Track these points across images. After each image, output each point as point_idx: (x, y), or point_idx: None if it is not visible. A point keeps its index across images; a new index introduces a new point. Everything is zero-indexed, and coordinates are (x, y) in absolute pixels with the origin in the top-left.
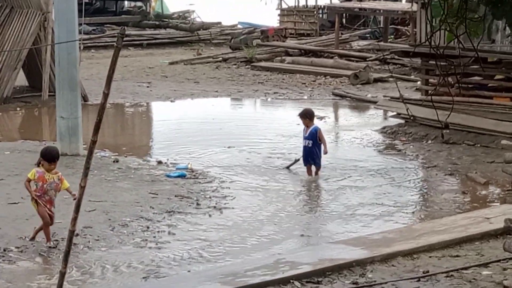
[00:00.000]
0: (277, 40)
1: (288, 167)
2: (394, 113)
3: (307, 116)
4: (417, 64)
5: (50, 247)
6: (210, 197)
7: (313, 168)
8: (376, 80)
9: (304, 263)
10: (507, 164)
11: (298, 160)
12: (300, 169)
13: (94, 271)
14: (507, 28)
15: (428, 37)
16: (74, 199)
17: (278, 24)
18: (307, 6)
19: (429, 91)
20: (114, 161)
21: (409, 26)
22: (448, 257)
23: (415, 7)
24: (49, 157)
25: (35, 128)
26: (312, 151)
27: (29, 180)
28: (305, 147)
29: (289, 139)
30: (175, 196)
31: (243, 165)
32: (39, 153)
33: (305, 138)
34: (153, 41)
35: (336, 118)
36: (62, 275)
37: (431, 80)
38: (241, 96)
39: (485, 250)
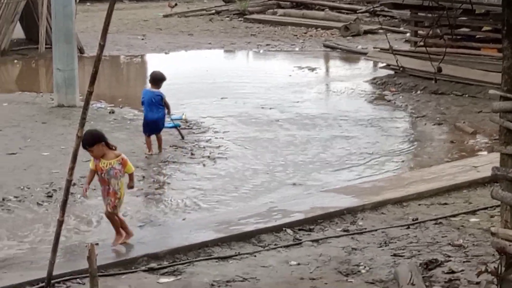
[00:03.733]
0: None
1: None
2: (384, 64)
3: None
4: (406, 16)
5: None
6: (204, 147)
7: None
8: (366, 32)
9: (296, 211)
10: (494, 113)
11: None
12: (291, 119)
13: (91, 219)
14: None
15: None
16: (130, 187)
17: None
18: None
19: (419, 42)
20: (110, 112)
21: None
22: (436, 205)
23: None
24: (85, 141)
25: (33, 80)
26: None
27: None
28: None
29: (281, 90)
30: (170, 146)
31: (236, 115)
32: None
33: None
34: None
35: (327, 70)
36: (60, 223)
37: (420, 32)
38: (234, 48)
39: (473, 198)
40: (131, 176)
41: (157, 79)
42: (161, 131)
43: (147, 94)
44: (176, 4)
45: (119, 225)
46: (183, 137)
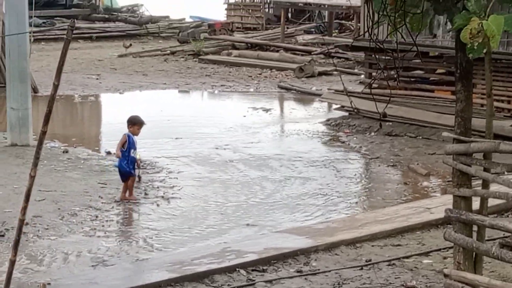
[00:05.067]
0: (224, 34)
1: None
2: (338, 105)
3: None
4: (361, 58)
5: None
6: (158, 187)
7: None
8: (321, 74)
9: (250, 251)
10: (447, 155)
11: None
12: (246, 160)
13: (43, 259)
14: (448, 23)
15: (366, 30)
16: None
17: (225, 18)
18: (253, 0)
19: (370, 83)
20: (63, 152)
21: (353, 21)
22: (390, 246)
23: (358, 1)
24: None
25: None
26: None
27: None
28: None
29: (236, 131)
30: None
31: (191, 156)
32: None
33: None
34: (103, 34)
35: (282, 111)
36: (12, 263)
37: (374, 74)
38: (189, 89)
39: (426, 239)
40: None
41: (128, 122)
42: (124, 178)
43: None
44: (131, 45)
45: None
46: (139, 179)
